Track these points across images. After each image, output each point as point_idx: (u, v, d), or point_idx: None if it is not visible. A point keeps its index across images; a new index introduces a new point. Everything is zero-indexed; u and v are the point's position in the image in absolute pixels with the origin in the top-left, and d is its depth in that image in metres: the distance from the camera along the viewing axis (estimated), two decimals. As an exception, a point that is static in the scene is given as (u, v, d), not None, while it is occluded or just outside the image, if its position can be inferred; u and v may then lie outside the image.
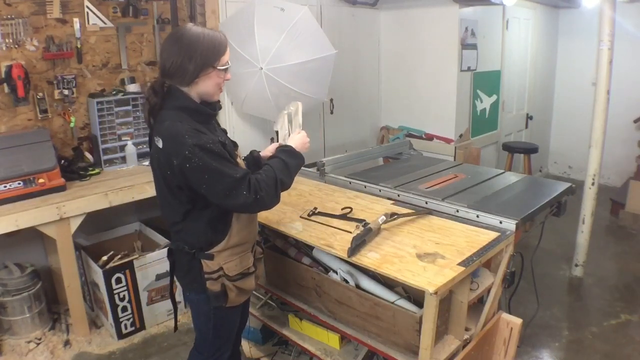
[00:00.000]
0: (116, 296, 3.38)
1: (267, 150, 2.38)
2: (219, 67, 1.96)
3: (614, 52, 3.86)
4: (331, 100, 4.92)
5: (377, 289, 2.31)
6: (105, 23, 3.82)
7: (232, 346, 2.45)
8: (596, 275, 4.29)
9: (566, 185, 3.10)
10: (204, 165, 1.85)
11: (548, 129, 7.38)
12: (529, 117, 6.56)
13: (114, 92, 3.85)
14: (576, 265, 4.27)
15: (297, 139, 2.26)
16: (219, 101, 2.13)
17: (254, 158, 2.40)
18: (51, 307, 3.67)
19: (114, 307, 3.39)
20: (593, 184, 4.05)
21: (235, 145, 2.22)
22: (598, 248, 4.64)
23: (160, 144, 1.92)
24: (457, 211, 2.69)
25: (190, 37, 1.92)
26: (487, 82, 5.43)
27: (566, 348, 3.34)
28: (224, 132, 2.24)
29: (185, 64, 1.91)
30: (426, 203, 2.84)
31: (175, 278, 2.32)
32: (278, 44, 3.53)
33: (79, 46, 3.68)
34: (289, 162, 2.13)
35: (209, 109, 2.06)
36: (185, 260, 2.15)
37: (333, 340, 2.59)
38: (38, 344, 3.37)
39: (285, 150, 2.18)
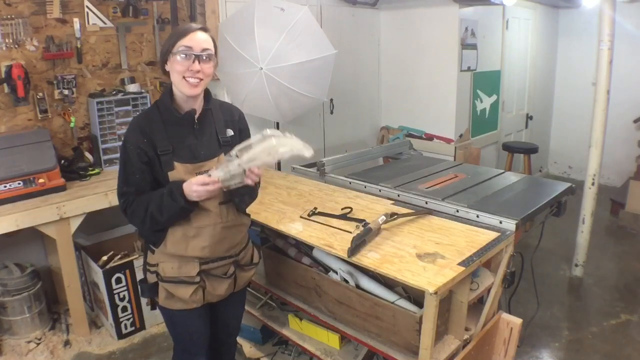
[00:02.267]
0: (116, 296, 3.38)
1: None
2: (173, 51, 1.92)
3: (614, 52, 3.85)
4: (331, 100, 4.92)
5: (377, 289, 2.31)
6: (105, 23, 3.82)
7: (223, 357, 2.46)
8: (596, 275, 4.29)
9: (566, 185, 3.10)
10: (120, 157, 2.03)
11: (548, 129, 7.39)
12: (529, 117, 6.56)
13: (114, 92, 3.84)
14: (576, 265, 4.27)
15: (193, 183, 1.88)
16: (207, 109, 2.08)
17: None
18: (51, 307, 3.67)
19: (114, 307, 3.39)
20: (593, 184, 4.05)
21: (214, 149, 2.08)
22: (598, 248, 4.63)
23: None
24: (457, 211, 2.69)
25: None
26: (487, 82, 5.43)
27: (566, 348, 3.34)
28: (220, 140, 2.10)
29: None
30: (426, 203, 2.84)
31: None
32: (278, 44, 3.53)
33: (79, 46, 3.68)
34: (165, 202, 1.93)
35: (180, 113, 2.02)
36: (145, 245, 2.23)
37: (333, 340, 2.59)
38: (38, 344, 3.37)
39: (171, 190, 1.93)
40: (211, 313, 2.31)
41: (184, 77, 1.93)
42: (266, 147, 1.84)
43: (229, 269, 2.19)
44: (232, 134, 2.14)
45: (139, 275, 3.39)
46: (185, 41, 1.91)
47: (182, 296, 2.10)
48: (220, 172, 1.86)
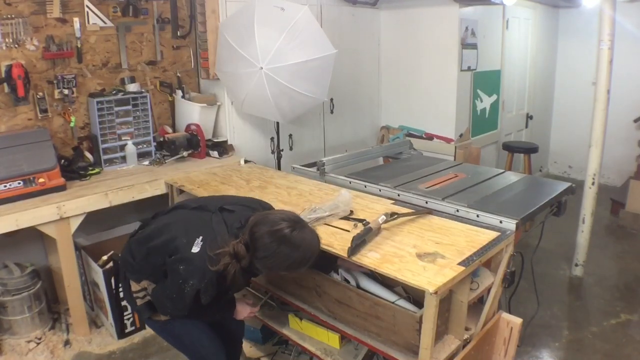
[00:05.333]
0: (116, 296, 3.37)
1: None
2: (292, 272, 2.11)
3: (614, 51, 3.85)
4: (331, 99, 4.91)
5: (377, 289, 2.31)
6: (105, 22, 3.81)
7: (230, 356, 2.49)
8: (596, 274, 4.29)
9: (566, 184, 3.10)
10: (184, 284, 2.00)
11: (548, 129, 7.38)
12: (529, 117, 6.56)
13: (114, 92, 3.84)
14: (576, 265, 4.26)
15: (242, 308, 2.41)
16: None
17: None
18: (51, 306, 3.67)
19: (114, 306, 3.38)
20: (593, 183, 4.04)
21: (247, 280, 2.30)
22: (598, 248, 4.63)
23: (199, 241, 2.01)
24: (457, 211, 2.69)
25: (295, 243, 1.97)
26: (487, 81, 5.43)
27: (566, 348, 3.34)
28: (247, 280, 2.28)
29: (276, 266, 2.01)
30: (426, 203, 2.84)
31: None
32: (278, 44, 3.53)
33: (79, 46, 3.68)
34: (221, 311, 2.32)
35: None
36: (122, 275, 2.32)
37: (333, 339, 2.59)
38: (38, 343, 3.36)
39: (230, 308, 2.36)
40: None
41: None
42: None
43: None
44: None
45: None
46: (307, 266, 2.06)
47: None
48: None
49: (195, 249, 1.99)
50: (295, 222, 2.01)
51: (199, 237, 2.02)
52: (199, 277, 1.96)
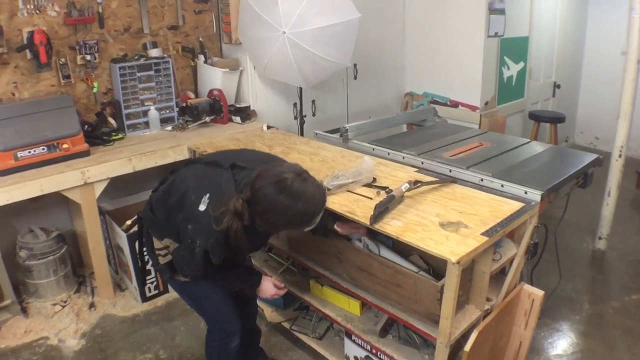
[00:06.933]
0: (140, 260, 3.42)
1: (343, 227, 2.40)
2: (297, 229, 2.00)
3: (646, 19, 3.73)
4: (355, 65, 4.85)
5: (397, 259, 2.30)
6: (126, -13, 3.79)
7: (245, 322, 2.48)
8: (620, 249, 4.23)
9: (593, 156, 3.05)
10: (197, 246, 1.96)
11: (575, 98, 7.22)
12: (556, 86, 6.41)
13: (136, 57, 3.83)
14: (600, 238, 4.21)
15: (267, 287, 2.34)
16: None
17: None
18: (76, 270, 3.75)
19: (138, 270, 3.43)
20: (620, 156, 3.96)
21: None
22: (623, 221, 4.55)
23: (206, 199, 1.97)
24: (482, 180, 2.66)
25: (294, 194, 1.85)
26: (515, 48, 5.30)
27: (586, 321, 3.32)
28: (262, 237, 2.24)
29: (275, 220, 1.91)
30: (450, 171, 2.81)
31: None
32: (301, 8, 3.47)
33: (100, 11, 3.66)
34: (240, 284, 2.31)
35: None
36: (145, 232, 2.33)
37: (354, 306, 2.61)
38: (63, 306, 3.44)
39: (252, 282, 2.32)
40: None
41: None
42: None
43: None
44: None
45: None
46: (314, 224, 1.97)
47: None
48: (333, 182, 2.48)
49: (202, 207, 1.95)
50: (298, 173, 1.90)
51: (206, 195, 1.97)
52: (205, 236, 1.93)
